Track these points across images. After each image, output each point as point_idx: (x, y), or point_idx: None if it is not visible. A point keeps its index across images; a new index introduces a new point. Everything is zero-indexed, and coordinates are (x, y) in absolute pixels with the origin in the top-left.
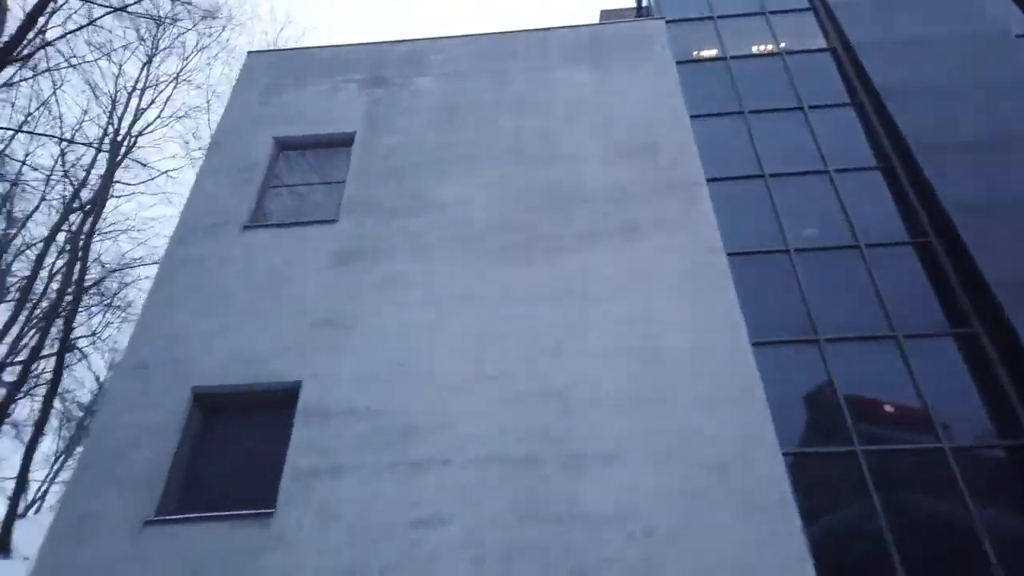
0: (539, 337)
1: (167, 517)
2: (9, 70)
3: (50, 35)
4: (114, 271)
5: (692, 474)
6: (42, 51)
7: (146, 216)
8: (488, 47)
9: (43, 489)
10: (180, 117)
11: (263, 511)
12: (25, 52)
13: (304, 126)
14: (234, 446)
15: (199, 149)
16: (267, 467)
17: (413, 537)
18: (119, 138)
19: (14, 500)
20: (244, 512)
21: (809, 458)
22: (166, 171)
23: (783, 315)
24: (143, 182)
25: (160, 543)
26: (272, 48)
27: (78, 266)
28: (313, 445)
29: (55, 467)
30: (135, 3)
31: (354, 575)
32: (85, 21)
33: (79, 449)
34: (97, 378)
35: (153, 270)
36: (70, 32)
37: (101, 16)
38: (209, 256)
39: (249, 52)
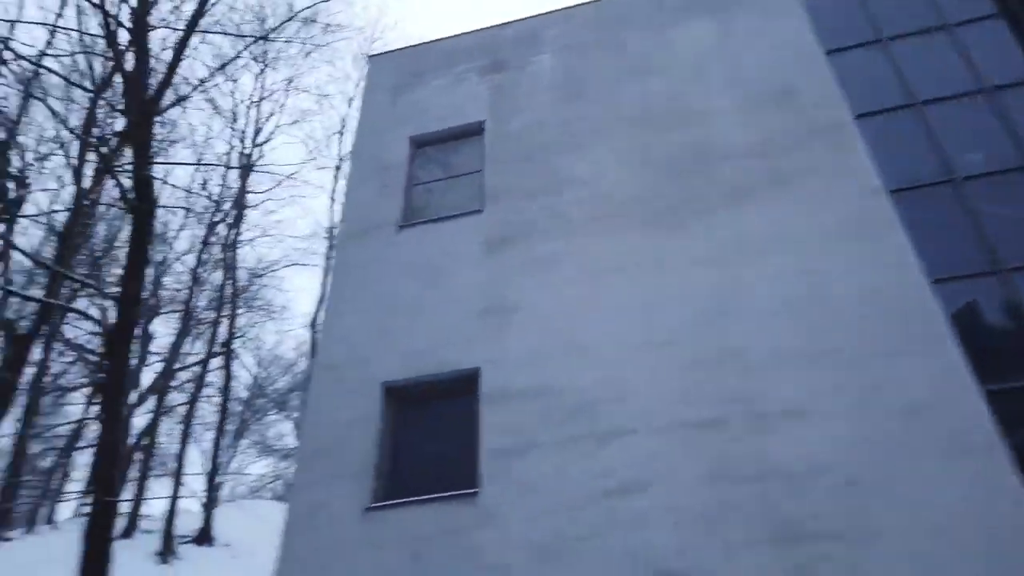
0: (702, 300)
1: (384, 503)
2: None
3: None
4: (259, 276)
5: (888, 422)
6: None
7: (274, 219)
8: (599, 14)
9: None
10: (295, 122)
11: (468, 491)
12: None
13: (434, 121)
14: (428, 433)
15: (315, 150)
16: (462, 449)
17: (610, 505)
18: (245, 151)
19: (210, 493)
20: (452, 493)
21: (1012, 393)
22: (290, 175)
23: (959, 248)
24: (269, 189)
25: (382, 526)
26: (390, 49)
27: (221, 273)
28: (502, 426)
29: (228, 460)
30: (263, 38)
31: (561, 543)
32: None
33: (243, 441)
34: (252, 374)
35: (289, 271)
36: (206, 82)
37: (232, 59)
38: (372, 259)
39: (370, 56)
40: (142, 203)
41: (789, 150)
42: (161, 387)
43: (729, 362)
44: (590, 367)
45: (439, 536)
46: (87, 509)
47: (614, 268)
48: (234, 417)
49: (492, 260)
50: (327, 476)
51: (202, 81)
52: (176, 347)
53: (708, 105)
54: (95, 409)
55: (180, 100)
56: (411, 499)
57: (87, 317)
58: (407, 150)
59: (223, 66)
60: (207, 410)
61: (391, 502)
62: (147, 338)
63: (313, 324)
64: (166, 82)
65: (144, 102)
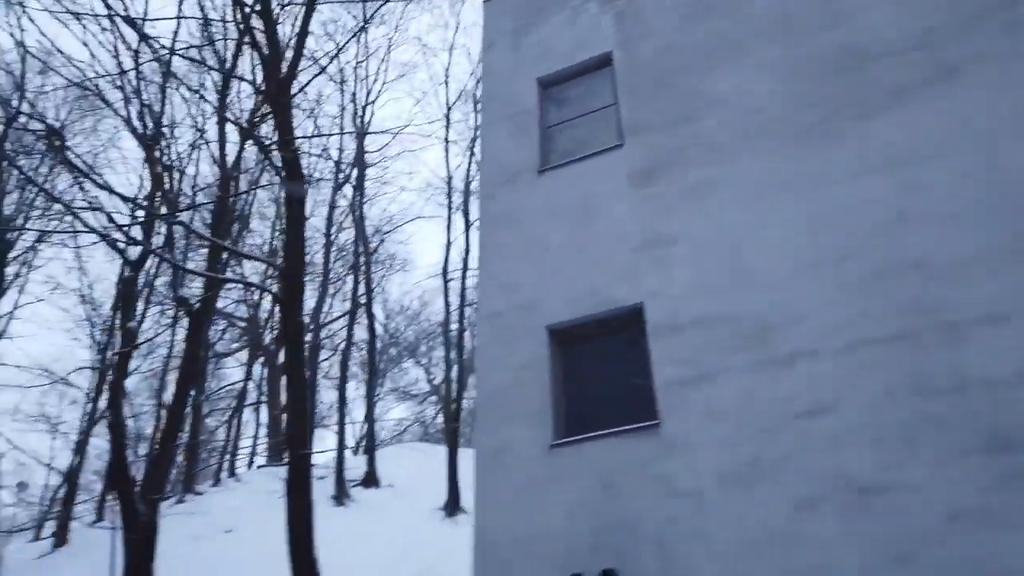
0: (874, 210)
1: (566, 440)
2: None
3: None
4: (388, 232)
5: None
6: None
7: (393, 175)
8: None
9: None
10: (401, 75)
11: (649, 423)
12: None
13: (560, 59)
14: (598, 370)
15: (422, 101)
16: (636, 384)
17: (803, 427)
18: (357, 112)
19: (370, 438)
20: (633, 426)
21: None
22: (401, 130)
23: None
24: (384, 146)
25: (568, 461)
26: None
27: (350, 233)
28: (674, 358)
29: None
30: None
31: (755, 467)
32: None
33: (381, 389)
34: (384, 327)
35: (414, 225)
36: (341, 51)
37: (362, 27)
38: (517, 206)
39: (485, 2)
40: (292, 179)
41: (955, 37)
42: (311, 346)
43: (911, 273)
44: (762, 291)
45: (627, 467)
46: (285, 463)
47: (774, 188)
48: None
49: (641, 194)
50: (507, 419)
51: (339, 49)
52: (318, 307)
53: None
54: (252, 370)
55: (317, 74)
56: (592, 435)
57: (264, 290)
58: (536, 92)
59: (355, 35)
60: (349, 363)
61: (573, 439)
62: None
63: (444, 273)
64: (296, 57)
65: (281, 80)
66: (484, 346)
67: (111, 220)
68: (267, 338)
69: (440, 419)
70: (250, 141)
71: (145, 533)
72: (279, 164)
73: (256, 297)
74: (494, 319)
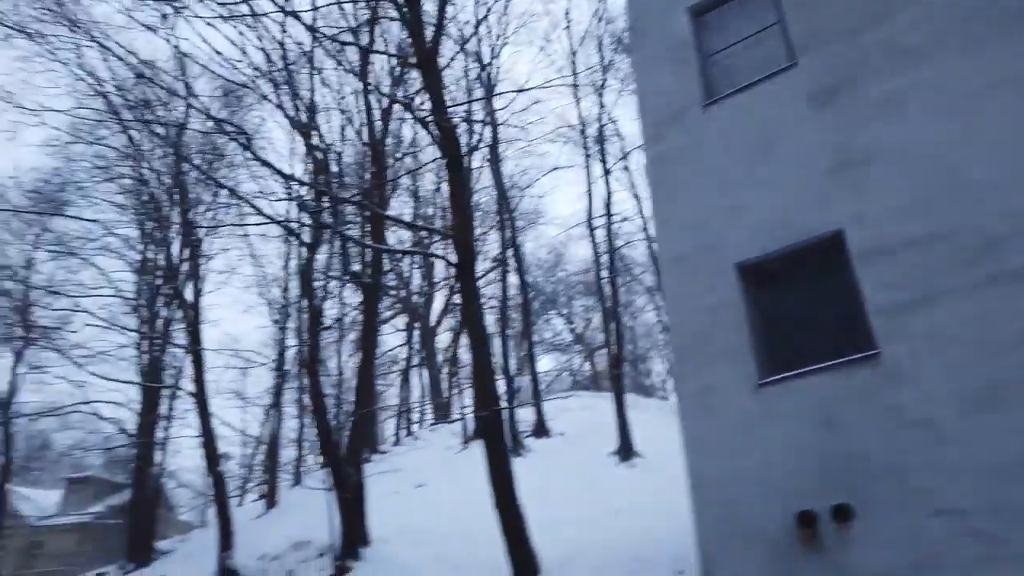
0: None
1: (774, 378)
2: None
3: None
4: (527, 187)
5: None
6: None
7: (524, 127)
8: None
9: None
10: (522, 25)
11: (867, 353)
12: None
13: None
14: (796, 303)
15: (545, 49)
16: (843, 313)
17: None
18: (485, 68)
19: (535, 389)
20: (848, 358)
21: None
22: (528, 87)
23: None
24: (511, 100)
25: (779, 399)
26: None
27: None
28: (885, 283)
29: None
30: None
31: (995, 391)
32: None
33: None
34: (526, 279)
35: (547, 179)
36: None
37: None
38: (686, 144)
39: None
40: (449, 147)
41: None
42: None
43: None
44: (983, 202)
45: (847, 400)
46: (453, 421)
47: (979, 90)
48: (517, 320)
49: (824, 114)
50: (707, 361)
51: (485, 14)
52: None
53: None
54: (411, 336)
55: (466, 41)
56: (803, 370)
57: (441, 258)
58: (688, 23)
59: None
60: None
61: (782, 376)
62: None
63: (589, 221)
64: (440, 25)
65: (427, 49)
66: (672, 289)
67: (302, 207)
68: (419, 304)
69: (587, 367)
70: (407, 114)
71: (355, 492)
72: (434, 133)
73: (407, 264)
74: (679, 262)
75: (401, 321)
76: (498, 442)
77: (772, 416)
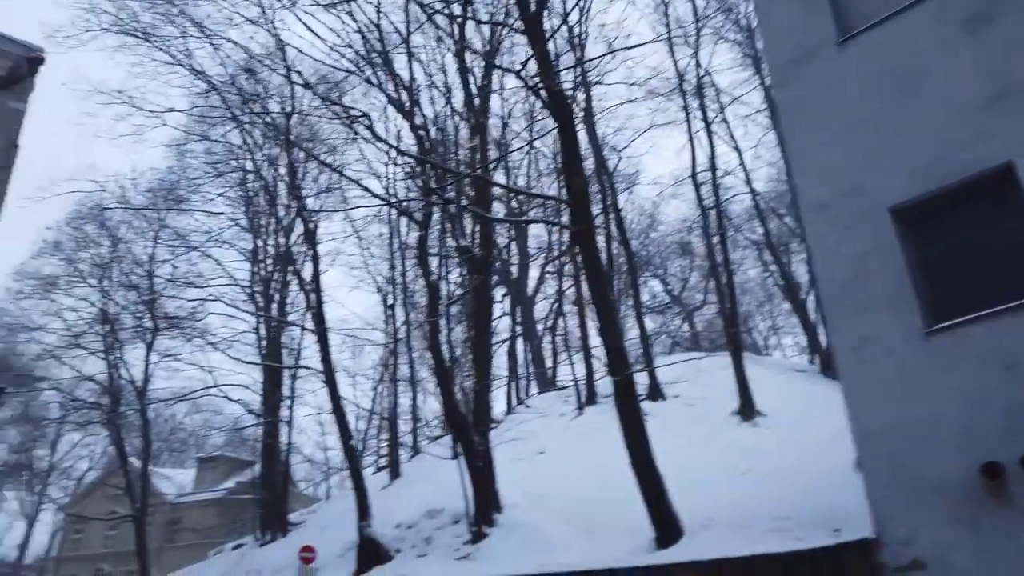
0: None
1: (944, 324)
2: None
3: None
4: (623, 149)
5: None
6: None
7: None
8: None
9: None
10: None
11: None
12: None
13: None
14: (959, 245)
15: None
16: (1019, 251)
17: None
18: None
19: (646, 352)
20: None
21: None
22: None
23: None
24: (601, 56)
25: (950, 346)
26: None
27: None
28: None
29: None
30: None
31: None
32: None
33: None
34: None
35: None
36: None
37: None
38: (821, 85)
39: None
40: (559, 112)
41: None
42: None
43: None
44: None
45: None
46: (561, 388)
47: None
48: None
49: (982, 40)
50: (863, 311)
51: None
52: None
53: None
54: (515, 309)
55: (569, 12)
56: (977, 315)
57: (561, 226)
58: None
59: None
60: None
61: (952, 322)
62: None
63: (693, 176)
64: None
65: (532, 14)
66: (817, 239)
67: (426, 187)
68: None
69: (686, 328)
70: (508, 85)
71: (484, 460)
72: (544, 99)
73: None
74: (822, 209)
75: (498, 294)
76: (633, 404)
77: (944, 364)
